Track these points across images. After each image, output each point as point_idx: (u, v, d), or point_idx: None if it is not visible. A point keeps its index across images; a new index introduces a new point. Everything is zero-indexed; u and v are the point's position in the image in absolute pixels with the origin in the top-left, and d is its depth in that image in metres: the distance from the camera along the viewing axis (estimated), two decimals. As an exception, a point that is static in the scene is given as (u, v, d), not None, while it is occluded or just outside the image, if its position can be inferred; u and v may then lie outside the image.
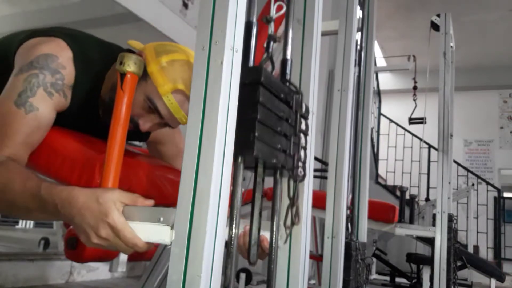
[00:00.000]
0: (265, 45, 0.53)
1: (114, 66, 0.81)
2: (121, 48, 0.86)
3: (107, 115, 0.78)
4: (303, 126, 0.55)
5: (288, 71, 0.57)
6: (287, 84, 0.55)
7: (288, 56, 0.58)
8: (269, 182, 0.56)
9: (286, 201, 0.54)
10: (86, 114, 0.81)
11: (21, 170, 0.64)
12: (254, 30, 0.50)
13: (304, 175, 0.54)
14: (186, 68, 0.74)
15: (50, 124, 0.74)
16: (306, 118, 0.57)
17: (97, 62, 0.81)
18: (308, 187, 0.61)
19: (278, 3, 0.54)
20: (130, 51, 0.85)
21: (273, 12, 0.55)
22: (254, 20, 0.51)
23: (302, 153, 0.54)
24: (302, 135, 0.54)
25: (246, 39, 0.48)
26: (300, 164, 0.53)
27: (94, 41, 0.85)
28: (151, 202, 0.54)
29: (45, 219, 0.74)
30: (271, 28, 0.54)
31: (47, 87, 0.72)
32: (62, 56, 0.75)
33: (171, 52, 0.75)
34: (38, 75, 0.71)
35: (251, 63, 0.50)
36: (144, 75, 0.74)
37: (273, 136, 0.49)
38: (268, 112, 0.48)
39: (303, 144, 0.55)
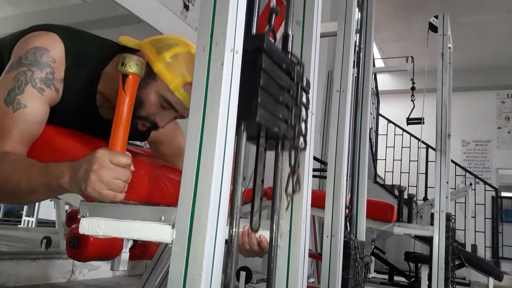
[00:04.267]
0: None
1: (112, 62, 0.81)
2: (118, 45, 0.86)
3: (109, 114, 0.79)
4: (303, 99, 0.55)
5: (289, 44, 0.57)
6: (289, 56, 0.54)
7: (290, 31, 0.58)
8: (268, 182, 0.56)
9: (287, 172, 0.54)
10: (82, 108, 0.82)
11: (23, 157, 0.69)
12: (256, 1, 0.50)
13: (305, 146, 0.54)
14: (190, 59, 0.76)
15: (43, 119, 0.74)
16: (307, 92, 0.56)
17: (93, 56, 0.81)
18: (308, 157, 0.61)
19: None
20: (127, 48, 0.85)
21: None
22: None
23: (302, 126, 0.54)
24: (303, 108, 0.54)
25: (249, 7, 0.48)
26: (301, 136, 0.53)
27: (90, 36, 0.85)
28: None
29: (47, 197, 0.75)
30: (273, 2, 0.54)
31: (35, 83, 0.73)
32: (53, 49, 0.76)
33: (171, 46, 0.76)
34: (26, 72, 0.72)
35: (253, 31, 0.50)
36: (151, 74, 0.75)
37: (275, 105, 0.49)
38: (270, 80, 0.48)
39: (304, 117, 0.55)
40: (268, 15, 0.53)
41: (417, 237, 3.12)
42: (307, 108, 0.56)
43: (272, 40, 0.52)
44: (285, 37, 0.58)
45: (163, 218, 0.49)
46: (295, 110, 0.53)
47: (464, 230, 3.87)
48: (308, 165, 0.61)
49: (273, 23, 0.53)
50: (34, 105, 0.72)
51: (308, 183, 0.62)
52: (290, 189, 0.53)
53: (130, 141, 1.04)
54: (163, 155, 1.00)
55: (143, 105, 0.77)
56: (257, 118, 0.45)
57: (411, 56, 3.32)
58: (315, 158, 2.96)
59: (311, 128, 0.63)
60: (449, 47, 2.22)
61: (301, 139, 0.54)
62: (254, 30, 0.50)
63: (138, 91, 0.65)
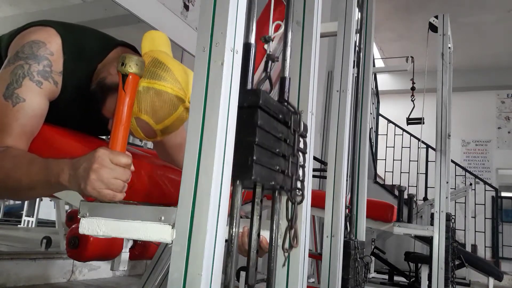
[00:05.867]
0: (263, 65, 0.52)
1: (109, 56, 0.81)
2: (115, 40, 0.86)
3: (96, 106, 0.78)
4: (301, 145, 0.54)
5: (286, 90, 0.57)
6: (285, 104, 0.54)
7: (287, 74, 0.58)
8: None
9: (284, 223, 0.54)
10: (80, 101, 0.82)
11: (24, 152, 0.68)
12: (252, 52, 0.50)
13: (302, 199, 0.54)
14: (161, 99, 0.72)
15: (42, 112, 0.74)
16: (304, 136, 0.56)
17: (91, 49, 0.81)
18: (306, 209, 0.61)
19: (276, 22, 0.55)
20: (124, 43, 0.85)
21: (271, 32, 0.56)
22: (253, 41, 0.50)
23: (300, 171, 0.54)
24: (300, 154, 0.54)
25: (245, 60, 0.48)
26: (298, 183, 0.53)
27: (87, 29, 0.85)
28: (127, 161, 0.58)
29: (47, 194, 0.75)
30: (269, 48, 0.54)
31: (33, 76, 0.72)
32: (50, 42, 0.75)
33: (156, 78, 0.72)
34: (23, 66, 0.72)
35: (249, 86, 0.50)
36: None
37: (272, 157, 0.49)
38: (266, 134, 0.48)
39: (301, 163, 0.54)
40: (265, 62, 0.53)
41: (417, 237, 3.12)
42: (304, 154, 0.56)
43: (268, 89, 0.52)
44: (282, 80, 0.57)
45: (163, 218, 0.49)
46: (292, 158, 0.53)
47: (464, 230, 3.87)
48: (308, 165, 0.61)
49: (269, 71, 0.52)
50: (33, 98, 0.72)
51: (308, 183, 0.62)
52: (287, 245, 0.52)
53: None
54: (166, 147, 0.99)
55: (105, 105, 0.76)
56: (252, 176, 0.45)
57: (411, 56, 3.32)
58: (315, 158, 2.96)
59: (311, 128, 0.63)
60: (449, 47, 2.22)
61: (298, 190, 0.53)
62: (249, 84, 0.50)
63: (115, 90, 0.64)
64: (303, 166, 0.55)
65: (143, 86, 0.72)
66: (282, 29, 0.57)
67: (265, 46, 0.53)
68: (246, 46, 0.49)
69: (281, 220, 0.55)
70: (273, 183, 0.49)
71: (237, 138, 0.45)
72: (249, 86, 0.50)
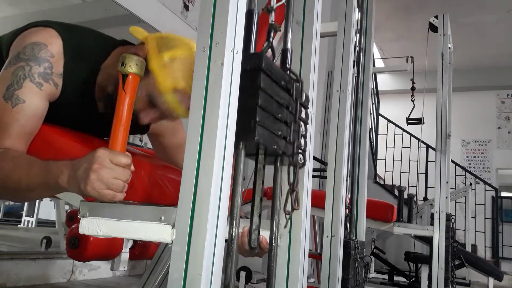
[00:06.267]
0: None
1: (110, 56, 0.81)
2: (116, 40, 0.86)
3: (107, 108, 0.79)
4: (303, 115, 0.55)
5: (288, 60, 0.58)
6: (288, 72, 0.55)
7: (289, 46, 0.58)
8: (269, 182, 0.56)
9: (286, 187, 0.54)
10: (81, 102, 0.82)
11: (24, 154, 0.69)
12: (255, 18, 0.50)
13: (304, 162, 0.55)
14: (188, 64, 0.74)
15: (42, 114, 0.74)
16: (306, 107, 0.57)
17: (91, 51, 0.81)
18: (308, 173, 0.61)
19: (276, 37, 0.55)
20: (125, 42, 0.85)
21: (273, 2, 0.56)
22: (255, 8, 0.51)
23: (302, 141, 0.55)
24: (301, 123, 0.55)
25: (247, 27, 0.48)
26: (300, 151, 0.54)
27: (88, 31, 0.85)
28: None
29: (46, 195, 0.76)
30: (271, 18, 0.55)
31: (34, 78, 0.72)
32: (51, 44, 0.75)
33: (173, 48, 0.75)
34: (24, 67, 0.72)
35: (252, 51, 0.50)
36: (146, 70, 0.74)
37: (274, 122, 0.50)
38: (269, 98, 0.48)
39: (303, 132, 0.55)
40: (267, 32, 0.53)
41: (417, 237, 3.12)
42: (306, 123, 0.57)
43: (271, 56, 0.52)
44: (284, 52, 0.58)
45: (163, 218, 0.49)
46: (294, 126, 0.53)
47: (464, 230, 3.87)
48: (308, 165, 0.61)
49: (271, 40, 0.53)
50: (33, 100, 0.72)
51: (308, 183, 0.62)
52: (288, 207, 0.53)
53: (130, 134, 1.04)
54: (165, 147, 1.00)
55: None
56: (255, 138, 0.45)
57: (411, 56, 3.32)
58: (315, 158, 2.96)
59: (311, 128, 0.63)
60: (449, 47, 2.22)
61: (300, 156, 0.54)
62: (252, 49, 0.50)
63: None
64: (304, 136, 0.55)
65: (166, 58, 0.73)
66: (283, 0, 0.58)
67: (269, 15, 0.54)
68: (249, 13, 0.49)
69: (283, 185, 0.55)
70: (275, 147, 0.49)
71: (240, 102, 0.45)
72: (252, 49, 0.50)
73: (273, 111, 0.49)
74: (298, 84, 0.54)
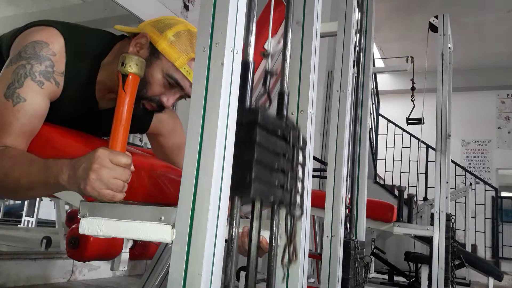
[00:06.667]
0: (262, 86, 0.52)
1: (111, 52, 0.82)
2: (116, 36, 0.86)
3: (108, 105, 0.79)
4: (300, 159, 0.54)
5: (285, 104, 0.57)
6: (285, 120, 0.54)
7: (286, 89, 0.57)
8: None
9: (283, 238, 0.53)
10: (82, 101, 0.82)
11: (24, 152, 0.69)
12: (251, 69, 0.50)
13: (301, 213, 0.54)
14: (191, 36, 0.77)
15: (43, 112, 0.74)
16: (303, 150, 0.56)
17: (92, 48, 0.81)
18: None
19: (276, 37, 0.55)
20: (124, 36, 0.85)
21: (270, 48, 0.55)
22: (251, 59, 0.50)
23: (299, 185, 0.53)
24: (299, 168, 0.54)
25: (243, 78, 0.48)
26: (298, 198, 0.52)
27: (88, 29, 0.85)
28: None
29: (46, 194, 0.76)
30: (268, 64, 0.54)
31: (35, 76, 0.72)
32: (53, 42, 0.75)
33: (172, 25, 0.78)
34: (25, 65, 0.72)
35: (247, 103, 0.49)
36: (155, 54, 0.76)
37: (270, 173, 0.49)
38: (265, 151, 0.48)
39: (301, 177, 0.54)
40: (263, 78, 0.52)
41: (417, 237, 3.12)
42: (303, 167, 0.56)
43: (267, 100, 0.51)
44: (281, 95, 0.57)
45: (163, 218, 0.49)
46: (291, 173, 0.52)
47: (464, 230, 3.87)
48: (308, 165, 0.61)
49: (268, 86, 0.52)
50: (34, 98, 0.72)
51: (308, 183, 0.62)
52: (286, 260, 0.52)
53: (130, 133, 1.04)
54: (164, 147, 1.00)
55: (149, 85, 0.78)
56: (251, 194, 0.45)
57: (411, 56, 3.32)
58: (315, 158, 2.96)
59: (311, 128, 0.63)
60: (449, 47, 2.22)
61: (298, 206, 0.52)
62: (247, 103, 0.50)
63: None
64: (302, 180, 0.55)
65: (171, 35, 0.76)
66: (281, 44, 0.57)
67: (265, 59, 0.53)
68: (245, 63, 0.49)
69: (280, 235, 0.54)
70: (272, 200, 0.49)
71: (236, 155, 0.45)
72: (247, 102, 0.49)
73: (270, 162, 0.49)
74: (295, 131, 0.53)
